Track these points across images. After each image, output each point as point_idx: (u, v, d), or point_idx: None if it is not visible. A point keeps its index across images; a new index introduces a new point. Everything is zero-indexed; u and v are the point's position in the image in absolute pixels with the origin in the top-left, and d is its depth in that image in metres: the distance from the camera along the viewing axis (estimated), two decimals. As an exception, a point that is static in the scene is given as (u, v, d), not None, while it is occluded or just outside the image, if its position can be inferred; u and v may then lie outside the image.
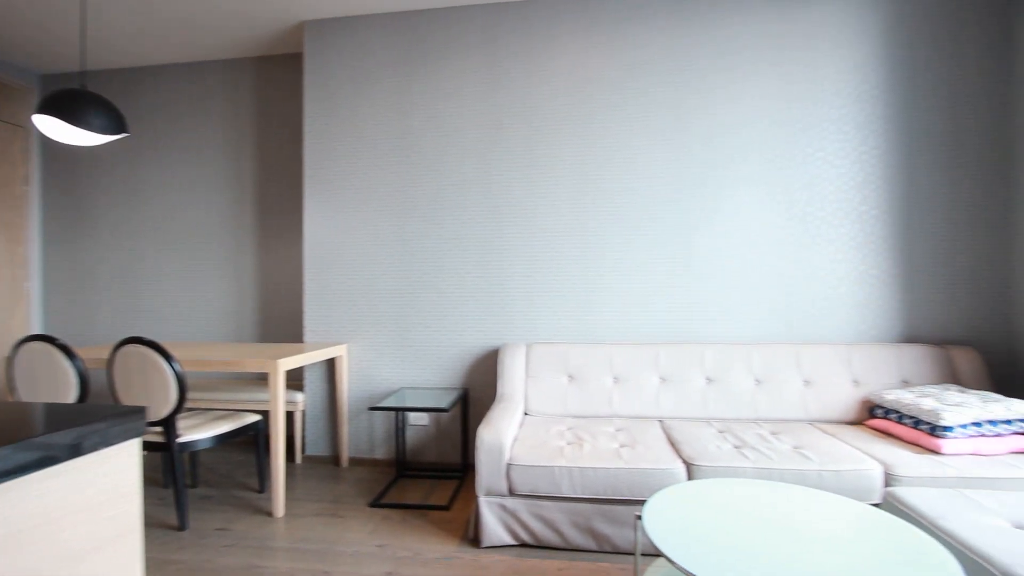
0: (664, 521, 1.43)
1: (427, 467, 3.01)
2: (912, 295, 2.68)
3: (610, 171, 2.87)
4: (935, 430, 2.06)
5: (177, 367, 2.21)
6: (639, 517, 1.49)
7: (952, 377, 2.50)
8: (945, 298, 2.66)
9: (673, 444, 2.23)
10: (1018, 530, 1.43)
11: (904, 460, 1.98)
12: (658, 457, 2.06)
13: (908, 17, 2.68)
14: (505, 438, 2.13)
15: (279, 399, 2.38)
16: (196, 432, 2.32)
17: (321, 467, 3.06)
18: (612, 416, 2.64)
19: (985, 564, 1.28)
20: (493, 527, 2.10)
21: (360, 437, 3.09)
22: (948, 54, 2.66)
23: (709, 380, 2.64)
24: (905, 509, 1.59)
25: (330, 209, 3.11)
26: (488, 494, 2.11)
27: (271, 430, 2.39)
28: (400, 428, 2.94)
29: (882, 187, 2.69)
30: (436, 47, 3.01)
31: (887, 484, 1.94)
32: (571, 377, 2.73)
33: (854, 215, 2.71)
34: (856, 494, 1.93)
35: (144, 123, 3.69)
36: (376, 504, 2.53)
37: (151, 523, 2.36)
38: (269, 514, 2.44)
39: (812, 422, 2.52)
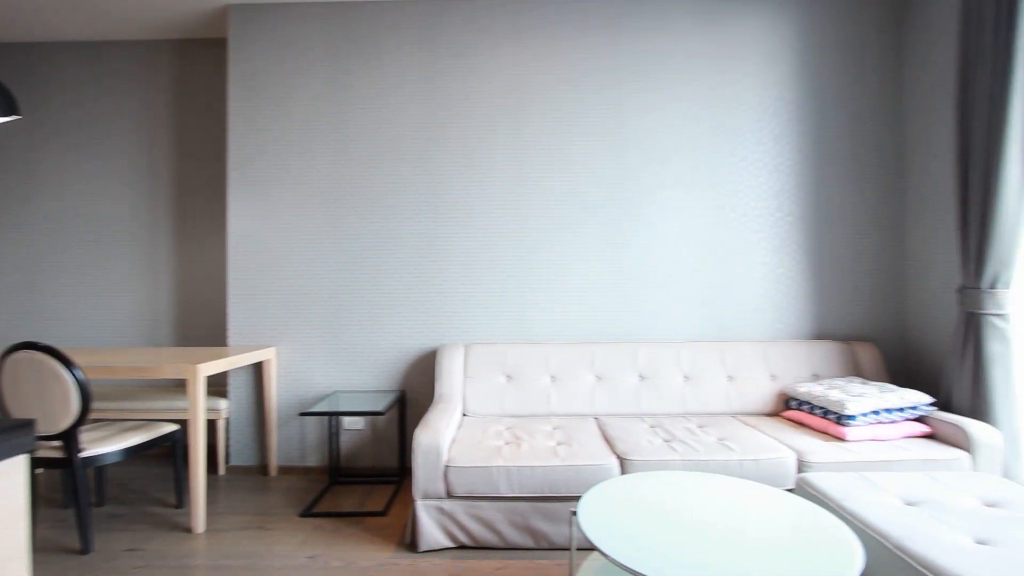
0: (598, 516, 1.46)
1: (363, 473, 2.92)
2: (821, 295, 2.91)
3: (548, 172, 2.91)
4: (841, 419, 2.24)
5: (79, 374, 2.01)
6: (574, 513, 1.52)
7: (855, 370, 2.74)
8: (850, 298, 2.91)
9: (608, 440, 2.30)
10: (908, 506, 1.58)
11: (814, 447, 2.14)
12: (593, 454, 2.11)
13: (817, 42, 2.91)
14: (443, 440, 2.10)
15: (199, 406, 2.22)
16: (102, 445, 2.12)
17: (247, 478, 2.89)
18: (549, 415, 2.67)
19: (880, 539, 1.41)
20: (430, 530, 2.07)
21: (290, 444, 2.95)
22: (851, 78, 2.91)
23: (642, 377, 2.74)
24: (815, 493, 1.73)
25: (257, 205, 2.95)
26: (425, 497, 2.08)
27: (190, 440, 2.23)
28: (334, 433, 2.83)
29: (796, 196, 2.91)
30: (372, 41, 2.94)
31: (800, 470, 2.09)
32: (509, 377, 2.74)
33: (772, 221, 2.91)
34: (773, 480, 2.07)
35: (44, 106, 3.34)
36: (307, 514, 2.42)
37: (48, 547, 2.13)
38: (188, 530, 2.28)
39: (735, 415, 2.67)
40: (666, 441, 2.24)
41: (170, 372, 2.23)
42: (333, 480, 2.80)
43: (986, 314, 2.23)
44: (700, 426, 2.44)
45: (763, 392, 2.69)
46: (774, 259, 2.90)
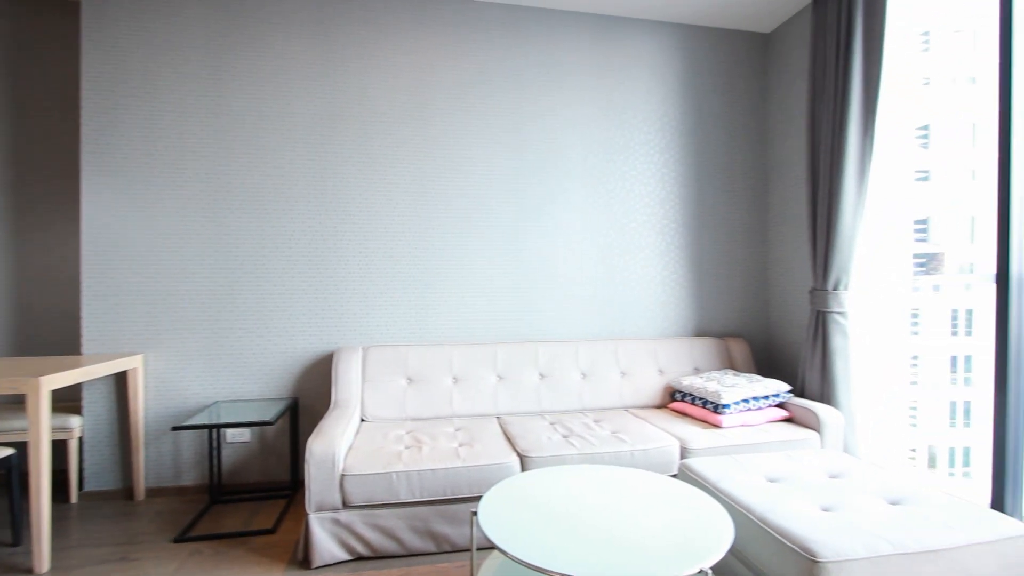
0: (497, 514, 1.48)
1: (250, 489, 2.69)
2: (701, 296, 3.20)
3: (449, 172, 2.89)
4: (717, 408, 2.47)
5: None
6: (475, 513, 1.52)
7: (729, 363, 3.04)
8: (724, 297, 3.23)
9: (509, 439, 2.33)
10: (770, 483, 1.78)
11: (695, 435, 2.34)
12: (495, 453, 2.13)
13: (697, 65, 3.19)
14: (338, 448, 2.00)
15: (42, 425, 1.91)
16: (-94, 479, 1.75)
17: (108, 504, 2.54)
18: (452, 416, 2.66)
19: (747, 514, 1.57)
20: (325, 544, 1.96)
21: (162, 463, 2.64)
22: (725, 101, 3.23)
23: (542, 376, 2.82)
24: (694, 476, 1.89)
25: (119, 193, 2.60)
26: (319, 510, 1.97)
27: (30, 465, 1.91)
28: (215, 447, 2.58)
29: (679, 205, 3.16)
30: (259, 19, 2.72)
31: (683, 456, 2.28)
32: (410, 379, 2.68)
33: (659, 227, 3.14)
34: (660, 467, 2.23)
35: None
36: (183, 538, 2.18)
37: None
38: (28, 571, 1.95)
39: (627, 408, 2.84)
40: (565, 437, 2.32)
41: (3, 387, 1.89)
42: (214, 499, 2.55)
43: (831, 312, 2.58)
44: (596, 421, 2.57)
45: (652, 386, 2.89)
46: (660, 262, 3.14)
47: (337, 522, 1.98)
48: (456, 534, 2.05)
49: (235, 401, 2.66)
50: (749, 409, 2.50)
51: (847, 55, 2.46)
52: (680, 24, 3.16)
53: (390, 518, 2.01)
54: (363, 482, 1.97)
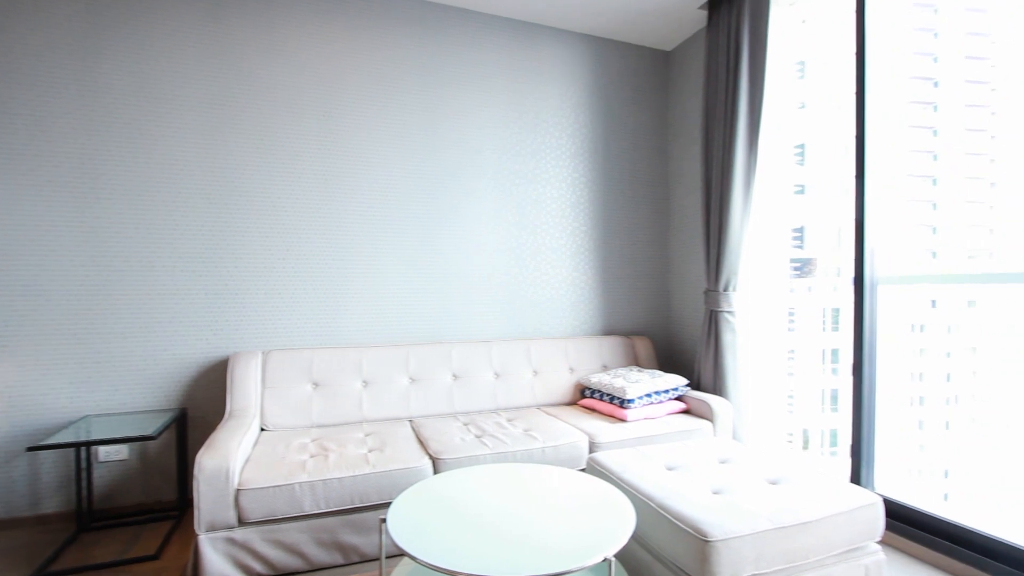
0: (407, 520, 1.45)
1: (129, 512, 2.42)
2: (608, 296, 3.35)
3: (360, 168, 2.79)
4: (623, 403, 2.60)
5: None
6: (384, 520, 1.47)
7: (634, 360, 3.20)
8: (629, 298, 3.41)
9: (422, 442, 2.29)
10: (669, 471, 1.90)
11: (603, 430, 2.44)
12: (406, 457, 2.08)
13: (606, 77, 3.35)
14: (233, 460, 1.85)
15: None
16: None
17: (-60, 542, 2.16)
18: (362, 421, 2.56)
19: (648, 502, 1.67)
20: (219, 567, 1.81)
21: (14, 490, 2.29)
22: (630, 111, 3.41)
23: (456, 377, 2.80)
24: (601, 469, 1.97)
25: (-38, 178, 2.23)
26: (211, 530, 1.81)
27: None
28: (84, 468, 2.29)
29: (588, 209, 3.29)
30: (145, -6, 2.46)
31: (591, 451, 2.36)
32: (316, 384, 2.55)
33: (569, 230, 3.24)
34: (570, 463, 2.30)
35: None
36: (42, 574, 1.91)
37: None
38: None
39: (540, 406, 2.90)
40: (478, 437, 2.32)
41: None
42: (82, 526, 2.25)
43: (721, 311, 2.81)
44: (509, 419, 2.59)
45: (563, 384, 2.98)
46: (571, 264, 3.24)
47: (232, 541, 1.83)
48: (365, 543, 1.98)
49: (110, 415, 2.37)
50: (652, 403, 2.65)
51: (735, 78, 2.70)
52: (590, 36, 3.29)
53: (293, 532, 1.90)
54: (262, 496, 1.84)
